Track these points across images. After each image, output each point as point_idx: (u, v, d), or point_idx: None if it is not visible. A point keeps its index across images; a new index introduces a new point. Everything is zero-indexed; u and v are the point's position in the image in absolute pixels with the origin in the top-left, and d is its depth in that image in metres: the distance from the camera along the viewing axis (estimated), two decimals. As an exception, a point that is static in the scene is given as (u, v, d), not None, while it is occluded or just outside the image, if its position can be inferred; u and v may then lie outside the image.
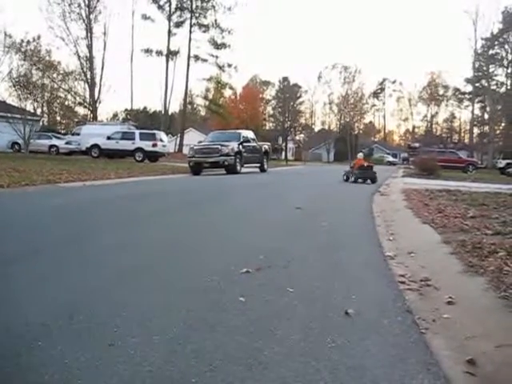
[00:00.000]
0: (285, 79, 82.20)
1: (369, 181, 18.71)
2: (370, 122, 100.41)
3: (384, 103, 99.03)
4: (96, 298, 3.64)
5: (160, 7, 52.20)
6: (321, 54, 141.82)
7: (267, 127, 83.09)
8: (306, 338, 2.96)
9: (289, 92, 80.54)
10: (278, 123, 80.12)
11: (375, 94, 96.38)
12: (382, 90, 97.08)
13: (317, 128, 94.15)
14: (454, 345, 2.96)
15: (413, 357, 2.77)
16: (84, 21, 48.37)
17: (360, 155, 21.22)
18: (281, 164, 44.86)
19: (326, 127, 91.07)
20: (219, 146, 22.68)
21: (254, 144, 25.86)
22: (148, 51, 52.57)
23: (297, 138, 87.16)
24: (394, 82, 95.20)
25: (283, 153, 67.58)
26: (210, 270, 4.44)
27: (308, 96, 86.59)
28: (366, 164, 20.12)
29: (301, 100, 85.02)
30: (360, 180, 18.84)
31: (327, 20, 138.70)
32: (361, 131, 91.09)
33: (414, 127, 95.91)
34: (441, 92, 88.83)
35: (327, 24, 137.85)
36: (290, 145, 78.11)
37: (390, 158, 75.13)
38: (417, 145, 55.92)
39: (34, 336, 2.88)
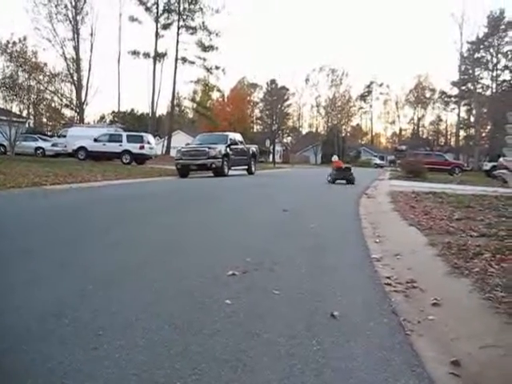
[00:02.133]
0: (272, 82, 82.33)
1: (345, 182, 19.33)
2: (358, 125, 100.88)
3: (371, 106, 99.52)
4: (81, 301, 3.61)
5: (147, 9, 52.20)
6: (308, 56, 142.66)
7: (255, 130, 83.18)
8: (291, 340, 2.96)
9: (276, 95, 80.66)
10: (266, 126, 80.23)
11: (362, 97, 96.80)
12: (369, 92, 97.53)
13: (304, 131, 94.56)
14: (439, 346, 2.98)
15: (398, 358, 2.78)
16: (71, 22, 48.14)
17: (334, 157, 22.25)
18: (268, 166, 44.87)
19: (314, 130, 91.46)
20: (207, 149, 22.66)
21: (242, 146, 25.86)
22: (135, 53, 52.54)
23: (284, 140, 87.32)
24: (381, 84, 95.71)
25: (271, 155, 67.67)
26: (196, 272, 4.44)
27: (295, 99, 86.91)
28: (343, 166, 20.79)
29: (288, 103, 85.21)
30: (339, 181, 19.37)
31: (315, 23, 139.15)
32: (348, 134, 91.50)
33: (400, 130, 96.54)
34: (427, 95, 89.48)
35: (315, 27, 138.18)
36: (278, 147, 78.20)
37: (378, 161, 75.48)
38: (403, 147, 56.30)
39: (17, 339, 2.86)
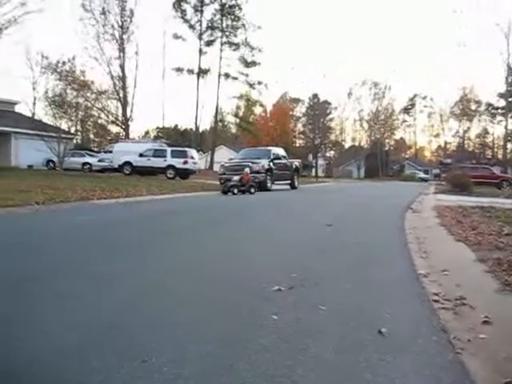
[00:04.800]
0: (315, 96, 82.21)
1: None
2: (401, 138, 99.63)
3: (415, 119, 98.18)
4: (128, 314, 3.67)
5: (191, 26, 53.03)
6: (350, 70, 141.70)
7: (297, 144, 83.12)
8: (338, 356, 2.94)
9: (319, 109, 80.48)
10: (308, 140, 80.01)
11: (406, 110, 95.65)
12: (413, 105, 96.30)
13: (347, 144, 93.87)
14: (491, 366, 2.91)
15: (448, 378, 2.73)
16: (117, 41, 49.32)
17: (246, 170, 21.74)
18: (311, 181, 44.75)
19: (357, 144, 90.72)
20: (250, 164, 22.76)
21: (285, 161, 25.88)
22: (179, 70, 53.39)
23: (327, 154, 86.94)
24: (424, 97, 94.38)
25: (313, 169, 67.43)
26: (242, 288, 4.46)
27: (338, 113, 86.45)
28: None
29: (331, 117, 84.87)
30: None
31: (357, 37, 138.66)
32: (391, 147, 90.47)
33: (445, 143, 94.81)
34: (473, 107, 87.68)
35: (357, 41, 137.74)
36: (321, 161, 77.96)
37: (422, 175, 74.40)
38: (449, 161, 55.35)
39: (69, 350, 2.92)
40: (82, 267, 5.33)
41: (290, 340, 3.17)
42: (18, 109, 41.47)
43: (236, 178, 20.95)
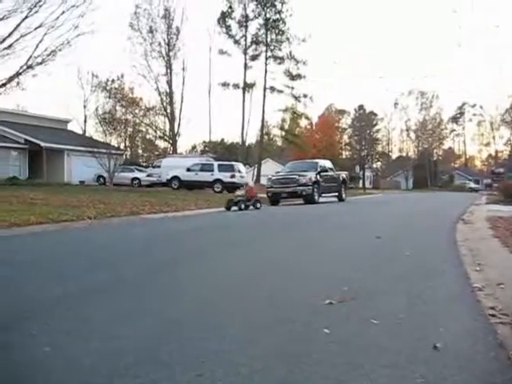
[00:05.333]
0: (360, 107, 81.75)
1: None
2: (450, 148, 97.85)
3: (464, 128, 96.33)
4: (181, 329, 3.70)
5: (236, 42, 53.53)
6: (396, 79, 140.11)
7: (344, 156, 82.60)
8: (393, 372, 2.89)
9: (365, 120, 79.92)
10: (355, 152, 79.48)
11: (454, 119, 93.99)
12: (462, 114, 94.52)
13: (394, 155, 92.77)
14: (554, 383, 2.81)
15: (509, 395, 2.65)
16: (164, 58, 50.45)
17: (250, 183, 21.89)
18: (358, 193, 44.36)
19: (404, 154, 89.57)
20: (297, 176, 22.78)
21: (332, 173, 25.79)
22: (225, 85, 53.89)
23: (374, 166, 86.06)
24: (473, 105, 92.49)
25: (361, 181, 66.88)
26: (292, 301, 4.44)
27: (384, 123, 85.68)
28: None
29: (377, 127, 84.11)
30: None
31: (402, 46, 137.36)
32: (440, 157, 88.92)
33: (496, 152, 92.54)
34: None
35: (403, 50, 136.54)
36: (368, 173, 77.21)
37: (472, 185, 72.79)
38: (501, 170, 53.98)
39: (124, 364, 2.96)
40: (139, 280, 5.43)
41: (343, 355, 3.14)
42: (70, 127, 42.81)
43: (240, 192, 20.36)
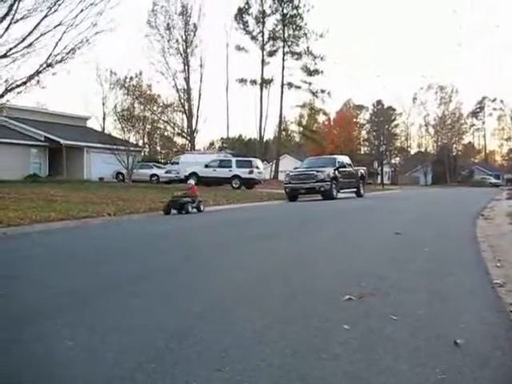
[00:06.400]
0: (378, 102, 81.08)
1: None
2: (470, 143, 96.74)
3: (484, 122, 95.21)
4: (203, 322, 3.74)
5: (253, 38, 53.49)
6: (415, 74, 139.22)
7: (362, 151, 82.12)
8: (413, 368, 2.88)
9: (383, 115, 79.28)
10: (373, 147, 78.92)
11: (474, 114, 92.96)
12: (482, 108, 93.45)
13: (413, 151, 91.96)
14: None
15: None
16: (181, 55, 50.48)
17: (190, 181, 18.35)
18: (377, 188, 44.14)
19: (423, 149, 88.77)
20: (315, 172, 22.72)
21: (350, 169, 25.68)
22: (242, 81, 53.90)
23: (392, 161, 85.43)
24: (494, 100, 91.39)
25: (379, 177, 66.48)
26: (311, 296, 4.46)
27: (403, 118, 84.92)
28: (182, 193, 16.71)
29: (396, 123, 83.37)
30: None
31: (421, 40, 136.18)
32: (459, 152, 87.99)
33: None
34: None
35: (421, 44, 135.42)
36: (386, 169, 76.73)
37: (493, 180, 71.94)
38: (522, 165, 53.27)
39: (145, 358, 3.00)
40: (157, 276, 5.48)
41: (362, 350, 3.14)
42: (89, 124, 43.10)
43: (180, 192, 16.89)
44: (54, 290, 4.96)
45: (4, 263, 7.11)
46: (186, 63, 50.67)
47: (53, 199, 17.44)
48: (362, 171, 27.10)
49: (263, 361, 2.94)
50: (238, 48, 53.68)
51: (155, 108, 35.93)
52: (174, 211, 15.09)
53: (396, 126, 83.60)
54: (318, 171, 22.80)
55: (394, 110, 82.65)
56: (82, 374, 2.81)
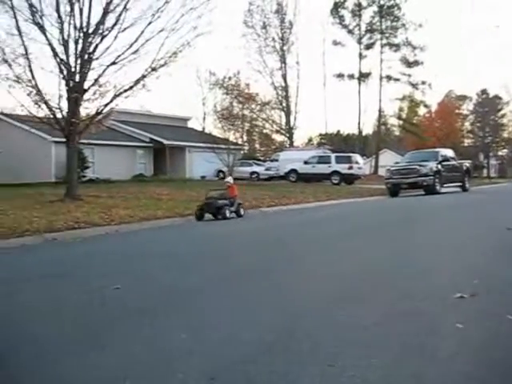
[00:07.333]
0: (483, 92, 77.49)
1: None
2: None
3: None
4: (312, 319, 3.77)
5: (350, 32, 52.95)
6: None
7: (465, 144, 78.87)
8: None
9: (488, 105, 75.72)
10: (478, 139, 75.61)
11: None
12: None
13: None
14: None
15: None
16: (278, 53, 50.93)
17: (228, 179, 15.85)
18: (483, 182, 42.28)
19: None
20: (417, 167, 22.16)
21: (454, 162, 24.78)
22: (340, 76, 53.55)
23: (499, 153, 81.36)
24: None
25: (485, 170, 63.60)
26: (421, 293, 4.37)
27: (510, 107, 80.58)
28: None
29: (502, 112, 79.35)
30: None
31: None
32: None
33: None
34: None
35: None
36: (493, 161, 73.26)
37: None
38: None
39: (258, 353, 3.08)
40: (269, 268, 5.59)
41: (480, 350, 3.04)
42: (190, 124, 44.42)
43: (216, 193, 14.65)
44: (165, 286, 5.22)
45: (117, 260, 7.54)
46: (283, 61, 51.05)
47: (158, 198, 18.17)
48: (467, 164, 26.05)
49: (374, 358, 2.89)
50: (335, 43, 53.40)
51: (253, 106, 36.34)
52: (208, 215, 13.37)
53: (503, 115, 79.50)
54: (420, 165, 22.21)
55: (500, 98, 78.67)
56: (197, 366, 2.90)
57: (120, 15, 17.41)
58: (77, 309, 4.42)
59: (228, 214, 13.34)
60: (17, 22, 16.96)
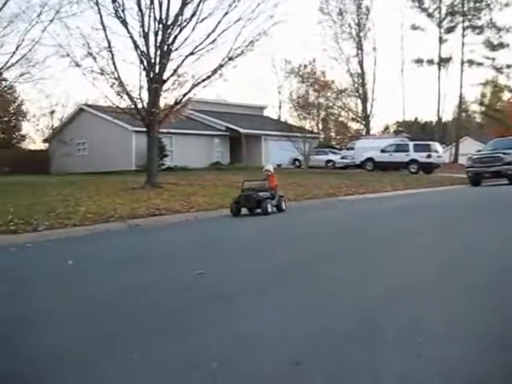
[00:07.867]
0: None
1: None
2: None
3: None
4: (392, 307, 3.79)
5: (429, 15, 51.22)
6: None
7: (554, 130, 75.00)
8: None
9: None
10: None
11: None
12: None
13: None
14: None
15: None
16: (354, 39, 50.20)
17: (268, 167, 13.79)
18: None
19: None
20: (501, 155, 21.30)
21: (543, 150, 23.63)
22: (419, 61, 52.01)
23: None
24: None
25: None
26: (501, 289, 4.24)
27: None
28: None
29: None
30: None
31: None
32: None
33: None
34: None
35: None
36: None
37: None
38: None
39: (339, 341, 3.08)
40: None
41: None
42: (266, 113, 44.60)
43: (253, 184, 13.08)
44: (244, 271, 5.31)
45: (199, 246, 7.73)
46: (360, 47, 50.28)
47: (235, 186, 18.40)
48: None
49: (462, 351, 2.84)
50: (414, 27, 51.83)
51: (329, 94, 36.00)
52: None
53: None
54: (504, 153, 21.33)
55: None
56: (281, 352, 2.94)
57: (198, 6, 17.83)
58: (163, 293, 4.58)
59: (270, 209, 11.98)
60: (101, 16, 17.73)
